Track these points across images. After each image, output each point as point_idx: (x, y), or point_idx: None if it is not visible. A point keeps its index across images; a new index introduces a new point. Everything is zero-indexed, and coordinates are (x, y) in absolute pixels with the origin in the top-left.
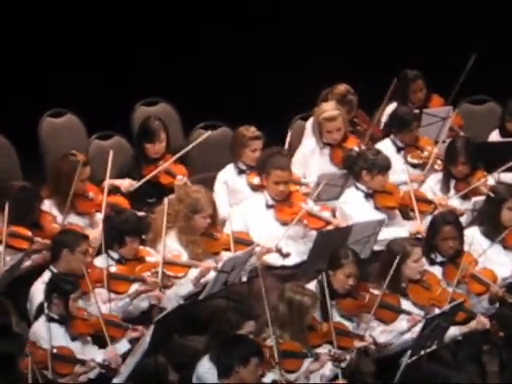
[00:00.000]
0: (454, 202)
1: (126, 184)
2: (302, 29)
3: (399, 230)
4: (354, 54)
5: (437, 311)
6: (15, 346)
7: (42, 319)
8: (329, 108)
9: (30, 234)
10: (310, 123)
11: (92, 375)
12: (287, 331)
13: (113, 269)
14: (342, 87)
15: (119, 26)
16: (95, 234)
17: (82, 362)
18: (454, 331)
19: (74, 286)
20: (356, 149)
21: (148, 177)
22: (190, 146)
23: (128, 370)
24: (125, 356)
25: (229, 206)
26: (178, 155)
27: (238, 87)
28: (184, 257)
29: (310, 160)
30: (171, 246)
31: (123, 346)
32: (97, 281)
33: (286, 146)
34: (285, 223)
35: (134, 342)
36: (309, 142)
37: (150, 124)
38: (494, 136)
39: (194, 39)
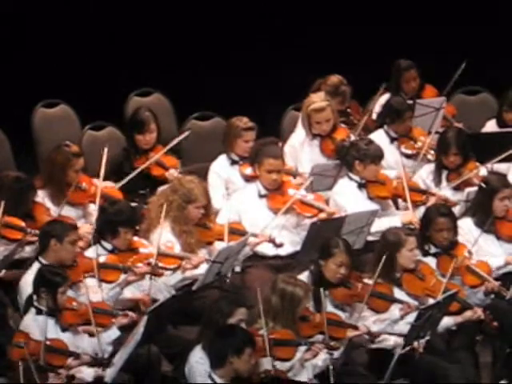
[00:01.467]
0: (447, 192)
1: (83, 229)
2: (296, 19)
3: (391, 219)
4: (347, 43)
5: (431, 301)
6: (7, 336)
7: (32, 312)
8: (317, 99)
9: (23, 224)
10: None
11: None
12: (279, 322)
13: (102, 258)
14: (334, 78)
15: (113, 17)
16: (88, 228)
17: (76, 355)
18: (448, 321)
19: (62, 278)
20: (347, 139)
21: (138, 170)
22: (176, 141)
23: (121, 360)
24: (115, 343)
25: (222, 197)
26: (168, 147)
27: (231, 78)
28: (177, 248)
29: (300, 152)
30: (164, 236)
31: (113, 333)
32: (86, 270)
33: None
34: (277, 212)
35: (124, 329)
36: (298, 133)
37: (140, 115)
38: (490, 126)
39: (188, 29)
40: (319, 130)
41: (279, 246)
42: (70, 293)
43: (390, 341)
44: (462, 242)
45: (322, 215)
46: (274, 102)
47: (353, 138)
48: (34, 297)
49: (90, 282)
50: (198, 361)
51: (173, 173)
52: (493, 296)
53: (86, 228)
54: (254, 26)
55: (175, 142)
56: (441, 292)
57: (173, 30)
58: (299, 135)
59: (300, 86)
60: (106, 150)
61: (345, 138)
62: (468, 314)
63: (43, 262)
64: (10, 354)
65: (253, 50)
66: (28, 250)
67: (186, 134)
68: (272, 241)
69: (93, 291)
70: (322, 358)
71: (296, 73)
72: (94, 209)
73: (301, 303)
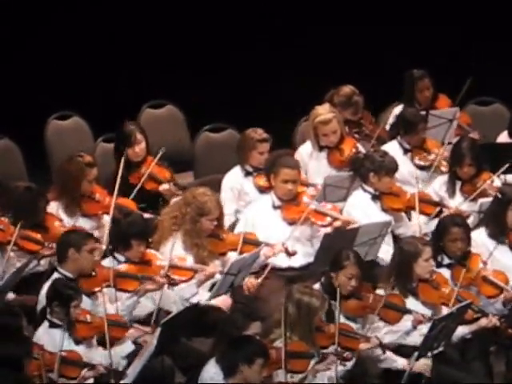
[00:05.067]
0: (460, 204)
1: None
2: (307, 30)
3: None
4: (359, 54)
5: (445, 310)
6: (23, 348)
7: (45, 325)
8: (323, 111)
9: (40, 237)
10: None
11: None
12: (296, 332)
13: (121, 267)
14: (347, 89)
15: (125, 29)
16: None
17: (90, 366)
18: (462, 330)
19: (75, 292)
20: (354, 150)
21: (140, 184)
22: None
23: (134, 372)
24: (129, 357)
25: (235, 212)
26: (156, 158)
27: (243, 90)
28: (189, 260)
29: (308, 163)
30: (176, 249)
31: (127, 346)
32: (105, 280)
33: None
34: (292, 222)
35: (138, 343)
36: (305, 146)
37: (125, 128)
38: (503, 137)
39: (200, 41)
40: (327, 142)
41: (292, 254)
42: (87, 302)
43: (398, 363)
44: (475, 253)
45: (337, 223)
46: (287, 113)
47: (360, 148)
48: (48, 310)
49: (107, 291)
50: (211, 377)
51: (165, 187)
52: (510, 306)
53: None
54: (266, 39)
55: (157, 158)
56: (453, 301)
57: (186, 43)
58: (307, 147)
59: (313, 97)
60: (122, 160)
61: (357, 150)
62: (483, 321)
63: (62, 272)
64: (28, 366)
65: (266, 64)
66: (42, 263)
67: (163, 150)
68: (285, 249)
69: (109, 301)
70: (334, 369)
71: (309, 84)
72: (107, 220)
73: (317, 313)
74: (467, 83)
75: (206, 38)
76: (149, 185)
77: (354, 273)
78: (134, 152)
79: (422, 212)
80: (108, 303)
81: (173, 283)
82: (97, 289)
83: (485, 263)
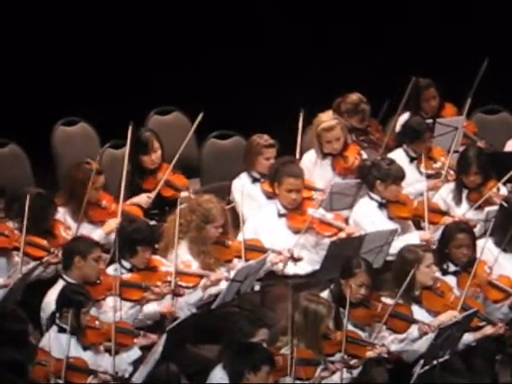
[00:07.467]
0: (467, 213)
1: (143, 200)
2: (312, 38)
3: (409, 237)
4: (365, 62)
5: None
6: (27, 354)
7: (54, 329)
8: (326, 118)
9: (46, 243)
10: None
11: None
12: (302, 340)
13: (125, 276)
14: (354, 96)
15: (132, 35)
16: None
17: (96, 373)
18: (468, 337)
19: (85, 298)
20: (358, 157)
21: (157, 189)
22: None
23: (140, 379)
24: (135, 364)
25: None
26: (172, 163)
27: (250, 97)
28: (195, 266)
29: (313, 171)
30: (182, 256)
31: (134, 353)
32: (109, 288)
33: (297, 156)
34: (297, 231)
35: (145, 350)
36: (309, 154)
37: (142, 135)
38: (510, 146)
39: (208, 48)
40: (330, 149)
41: (298, 260)
42: (92, 310)
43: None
44: (481, 260)
45: (342, 234)
46: (293, 120)
47: (365, 155)
48: (57, 315)
49: (112, 300)
50: (218, 382)
51: (184, 194)
52: None
53: (112, 224)
54: (273, 46)
55: (175, 159)
56: (459, 308)
57: (193, 50)
58: (311, 154)
59: (319, 105)
60: (126, 163)
61: (361, 157)
62: (489, 329)
63: (67, 279)
64: (34, 372)
65: (272, 71)
66: (49, 271)
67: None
68: (291, 255)
69: (112, 309)
70: (341, 377)
71: (315, 92)
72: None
73: (324, 321)
74: (483, 66)
75: (214, 44)
76: (166, 192)
77: (365, 281)
78: (151, 159)
79: (429, 221)
80: (111, 312)
81: (178, 294)
82: (101, 297)
83: (490, 269)
